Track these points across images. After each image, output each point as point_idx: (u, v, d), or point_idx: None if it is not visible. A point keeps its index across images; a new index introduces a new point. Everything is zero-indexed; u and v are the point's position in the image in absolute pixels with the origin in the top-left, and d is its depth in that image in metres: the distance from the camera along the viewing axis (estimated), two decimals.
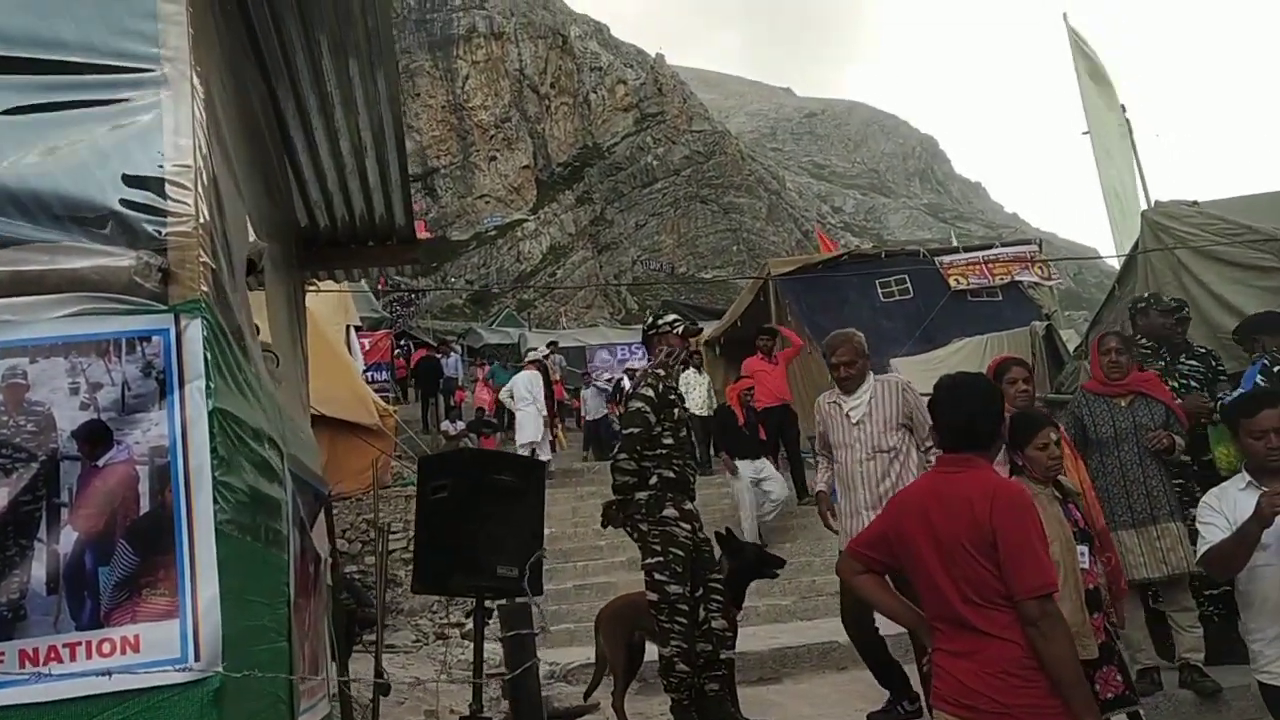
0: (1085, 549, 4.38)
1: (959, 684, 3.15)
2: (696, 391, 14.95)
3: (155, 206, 2.57)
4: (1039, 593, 2.97)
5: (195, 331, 2.52)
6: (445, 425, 19.60)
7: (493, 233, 58.30)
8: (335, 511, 11.64)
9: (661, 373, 5.65)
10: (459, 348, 27.14)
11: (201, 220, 2.59)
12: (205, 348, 2.52)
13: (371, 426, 11.43)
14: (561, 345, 24.34)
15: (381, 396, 15.38)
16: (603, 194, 63.59)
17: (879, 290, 15.07)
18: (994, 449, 3.35)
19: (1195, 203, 7.65)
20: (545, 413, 15.84)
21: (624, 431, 5.55)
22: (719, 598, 5.64)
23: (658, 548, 5.40)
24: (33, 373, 2.44)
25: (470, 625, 9.63)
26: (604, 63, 68.97)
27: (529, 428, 15.26)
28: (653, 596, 5.43)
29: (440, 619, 9.70)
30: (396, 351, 25.44)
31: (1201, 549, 3.82)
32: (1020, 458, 4.39)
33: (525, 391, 15.59)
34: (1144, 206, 9.28)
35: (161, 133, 2.60)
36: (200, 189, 2.60)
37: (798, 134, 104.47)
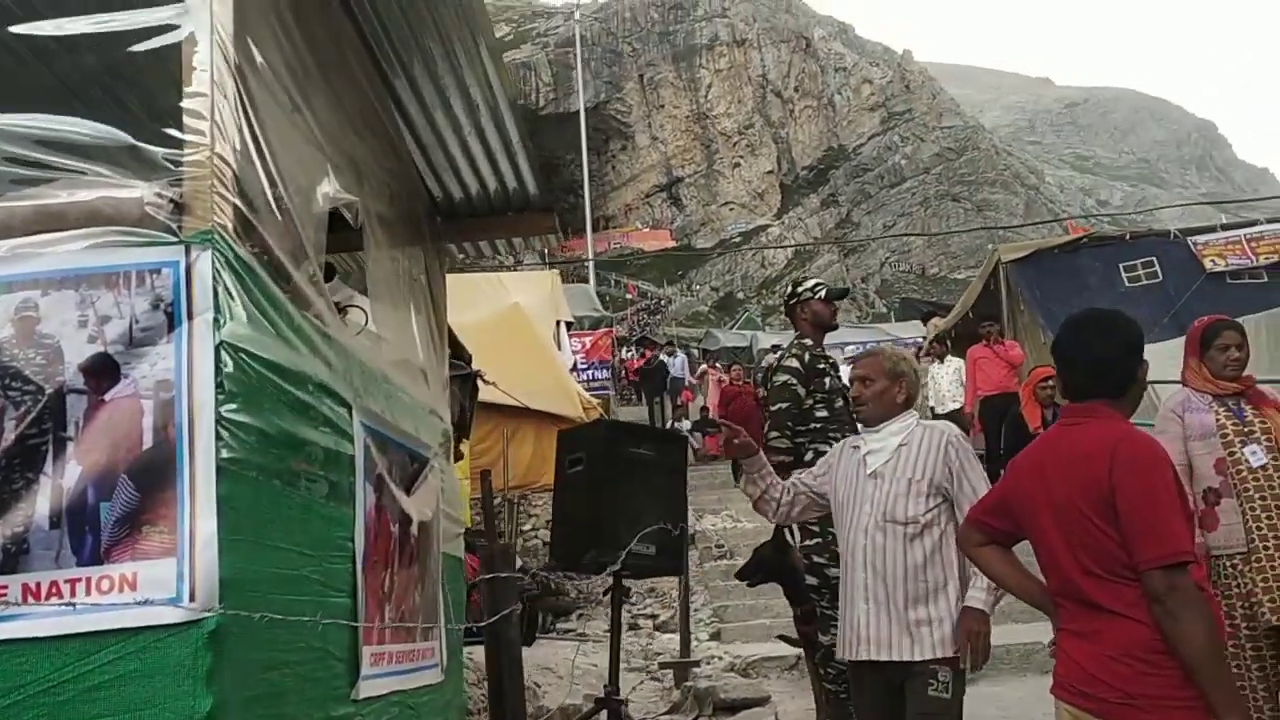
0: None
1: (1079, 669, 2.68)
2: (943, 383, 14.15)
3: (172, 137, 2.51)
4: (1166, 561, 2.47)
5: (205, 264, 2.44)
6: (672, 424, 19.64)
7: (738, 239, 58.35)
8: (540, 504, 11.83)
9: (808, 342, 5.28)
10: (690, 350, 27.17)
11: (218, 151, 2.51)
12: (216, 280, 2.44)
13: (576, 420, 11.52)
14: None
15: (600, 394, 15.55)
16: (849, 196, 62.61)
17: (1124, 275, 13.88)
18: (1128, 400, 2.83)
19: None
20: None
21: (772, 408, 5.18)
22: None
23: (815, 529, 5.01)
24: (44, 305, 2.42)
25: (665, 617, 9.50)
26: (848, 63, 67.89)
27: None
28: (812, 581, 5.04)
29: (637, 609, 9.61)
30: (629, 353, 25.79)
31: None
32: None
33: None
34: None
35: (181, 62, 2.55)
36: (219, 120, 2.53)
37: (1058, 125, 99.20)
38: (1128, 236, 14.86)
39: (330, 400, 3.00)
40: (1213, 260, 13.33)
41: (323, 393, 2.95)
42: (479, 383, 9.01)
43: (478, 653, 5.83)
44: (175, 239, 2.45)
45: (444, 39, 3.78)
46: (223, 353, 2.42)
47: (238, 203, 2.60)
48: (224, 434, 2.39)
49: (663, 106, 60.78)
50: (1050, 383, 8.37)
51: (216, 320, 2.43)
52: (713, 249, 56.73)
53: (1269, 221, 13.98)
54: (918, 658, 3.57)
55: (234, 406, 2.43)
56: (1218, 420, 4.33)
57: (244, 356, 2.50)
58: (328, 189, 3.36)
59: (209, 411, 2.37)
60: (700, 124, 61.01)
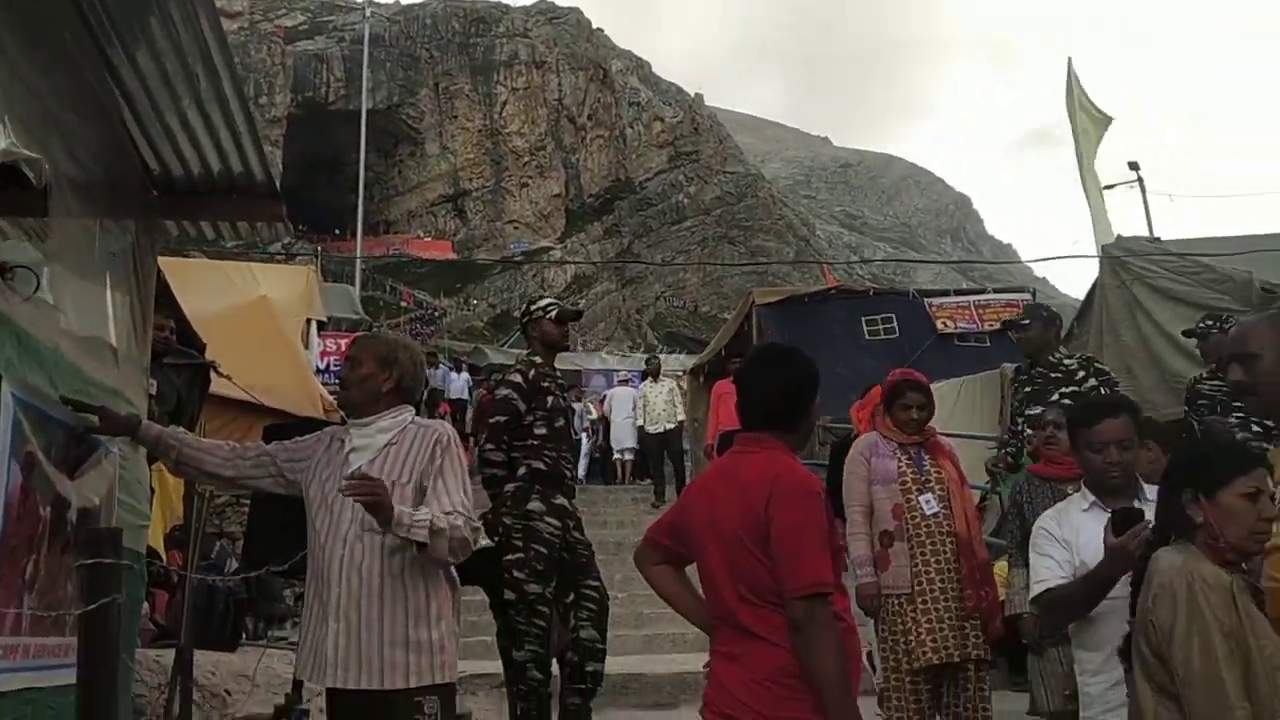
0: None
1: (725, 692, 2.78)
2: (656, 402, 14.83)
3: None
4: (807, 591, 2.59)
5: None
6: None
7: (519, 258, 58.20)
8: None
9: (537, 359, 5.32)
10: (461, 363, 26.86)
11: None
12: None
13: (315, 420, 11.15)
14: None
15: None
16: (631, 228, 63.53)
17: (865, 328, 14.68)
18: (798, 435, 2.97)
19: (1158, 239, 7.26)
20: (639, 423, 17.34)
21: (490, 420, 5.20)
22: (592, 605, 5.24)
23: (519, 543, 5.02)
24: None
25: None
26: (643, 98, 69.09)
27: (625, 436, 17.21)
28: (510, 596, 5.03)
29: None
30: None
31: (1038, 588, 3.27)
32: (1201, 509, 2.61)
33: (626, 404, 17.30)
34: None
35: None
36: None
37: (832, 183, 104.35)
38: (871, 292, 15.71)
39: None
40: (943, 322, 14.25)
41: None
42: (212, 374, 8.59)
43: (170, 655, 5.53)
44: None
45: (160, 3, 3.58)
46: None
47: None
48: None
49: (456, 117, 60.10)
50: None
51: None
52: (494, 262, 56.44)
53: (996, 291, 15.06)
54: (397, 686, 3.21)
55: None
56: (899, 467, 4.60)
57: None
58: (1, 143, 3.11)
59: None
60: (492, 140, 60.64)
